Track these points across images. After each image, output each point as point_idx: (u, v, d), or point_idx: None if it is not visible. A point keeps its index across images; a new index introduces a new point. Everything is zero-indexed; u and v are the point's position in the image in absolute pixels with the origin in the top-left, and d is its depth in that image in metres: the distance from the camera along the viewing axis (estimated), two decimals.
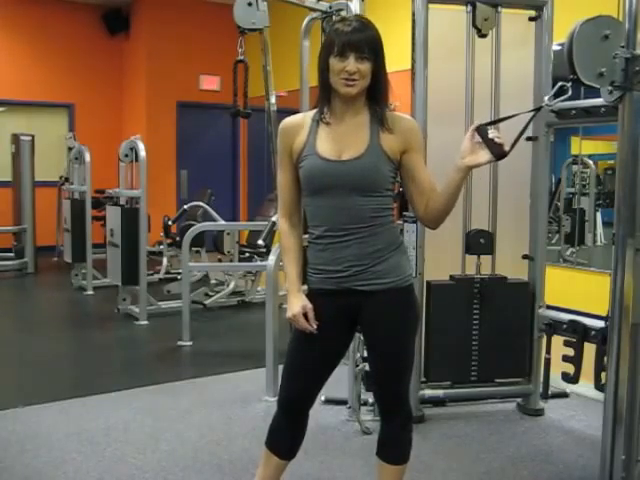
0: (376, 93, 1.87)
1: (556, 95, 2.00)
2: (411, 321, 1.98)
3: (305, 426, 2.04)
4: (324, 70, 1.85)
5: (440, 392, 3.25)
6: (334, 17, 4.02)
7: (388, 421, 2.05)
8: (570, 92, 2.05)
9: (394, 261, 1.91)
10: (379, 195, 1.88)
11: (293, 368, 2.02)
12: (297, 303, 1.91)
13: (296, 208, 2.00)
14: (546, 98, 2.03)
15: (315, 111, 1.94)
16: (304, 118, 1.96)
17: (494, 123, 1.83)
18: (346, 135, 1.87)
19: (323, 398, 3.29)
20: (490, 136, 1.73)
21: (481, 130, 1.75)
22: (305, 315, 1.90)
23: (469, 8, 3.10)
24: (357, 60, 1.80)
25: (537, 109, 2.05)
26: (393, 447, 2.05)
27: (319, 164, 1.87)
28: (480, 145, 1.75)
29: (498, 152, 1.73)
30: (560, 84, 2.05)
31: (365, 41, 1.81)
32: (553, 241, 5.84)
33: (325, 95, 1.89)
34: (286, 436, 2.02)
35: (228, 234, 5.84)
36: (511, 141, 1.80)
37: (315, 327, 1.90)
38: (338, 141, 1.87)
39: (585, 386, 3.03)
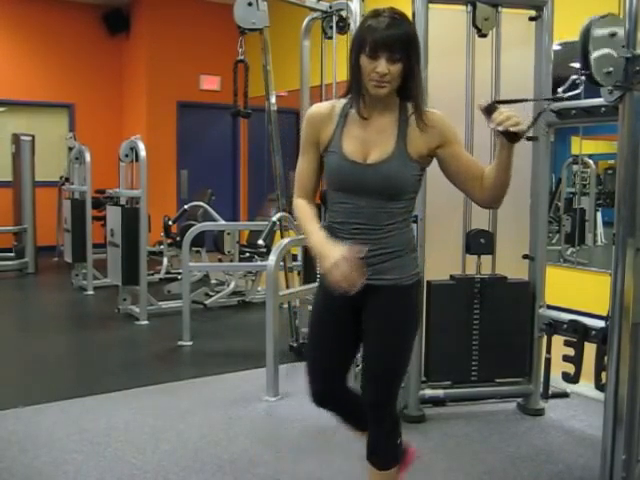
0: (409, 91, 1.81)
1: (569, 88, 2.00)
2: (407, 322, 1.92)
3: (349, 402, 2.09)
4: (355, 66, 1.79)
5: (440, 392, 3.25)
6: (334, 17, 4.04)
7: (373, 426, 1.98)
8: (582, 87, 2.04)
9: (400, 261, 1.89)
10: (401, 199, 1.85)
11: (310, 357, 2.08)
12: (335, 251, 1.74)
13: (313, 194, 1.99)
14: (560, 89, 2.02)
15: (344, 101, 1.89)
16: (333, 108, 1.90)
17: (503, 103, 1.75)
18: (373, 135, 1.84)
19: None
20: (491, 125, 1.68)
21: (486, 112, 1.70)
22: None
23: (469, 8, 3.10)
24: (388, 61, 1.74)
25: (551, 99, 2.04)
26: (380, 453, 2.00)
27: (344, 165, 1.84)
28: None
29: (507, 136, 1.68)
30: (573, 77, 2.05)
31: (398, 40, 1.73)
32: (553, 241, 5.85)
33: (357, 90, 1.83)
34: (344, 420, 2.14)
35: (228, 234, 5.84)
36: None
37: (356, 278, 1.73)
38: (364, 141, 1.84)
39: (585, 386, 3.03)
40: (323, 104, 1.95)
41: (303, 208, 1.95)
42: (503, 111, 1.67)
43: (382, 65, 1.73)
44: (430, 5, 3.04)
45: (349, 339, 2.01)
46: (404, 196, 1.85)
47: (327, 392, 2.05)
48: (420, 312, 2.02)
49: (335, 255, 1.73)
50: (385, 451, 2.00)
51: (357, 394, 2.09)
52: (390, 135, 1.82)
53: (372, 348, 1.93)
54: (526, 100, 1.88)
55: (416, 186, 1.88)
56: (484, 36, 3.14)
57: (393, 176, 1.81)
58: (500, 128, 1.66)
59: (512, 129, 1.65)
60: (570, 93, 2.00)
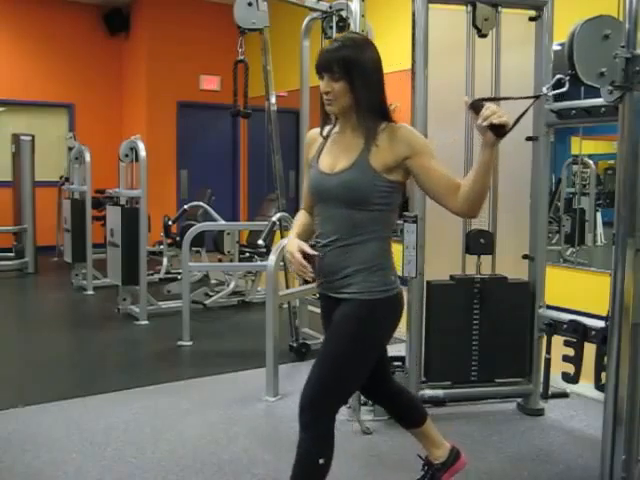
0: (362, 110, 1.91)
1: (554, 87, 2.02)
2: (354, 334, 1.91)
3: (396, 398, 2.29)
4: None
5: (440, 392, 3.25)
6: (334, 17, 4.03)
7: (299, 432, 1.93)
8: (567, 86, 2.06)
9: (363, 275, 1.92)
10: (367, 209, 1.91)
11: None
12: (293, 244, 1.98)
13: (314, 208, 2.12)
14: (544, 88, 2.04)
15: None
16: (321, 133, 2.08)
17: (488, 100, 1.78)
18: (342, 150, 1.97)
19: None
20: (479, 120, 1.70)
21: (474, 108, 1.73)
22: (304, 256, 1.93)
23: (469, 8, 3.10)
24: (330, 80, 1.89)
25: (536, 97, 2.07)
26: (294, 467, 1.92)
27: (316, 176, 2.01)
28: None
29: (495, 131, 1.70)
30: (558, 77, 2.06)
31: (335, 61, 1.87)
32: (553, 241, 5.85)
33: (322, 114, 2.01)
34: (393, 414, 2.37)
35: (228, 234, 5.84)
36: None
37: (310, 272, 1.93)
38: (335, 156, 1.98)
39: (585, 386, 3.02)
40: (316, 128, 2.11)
41: (298, 216, 2.21)
42: (489, 106, 1.71)
43: (323, 84, 1.91)
44: (430, 5, 3.04)
45: None
46: (369, 206, 1.91)
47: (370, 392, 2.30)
48: (384, 331, 1.98)
49: (291, 249, 1.97)
50: (298, 466, 1.92)
51: (403, 392, 2.34)
52: (356, 148, 1.93)
53: (320, 351, 2.00)
54: (511, 98, 1.90)
55: (385, 198, 1.92)
56: (484, 36, 3.14)
57: (352, 183, 1.90)
58: (485, 123, 1.70)
59: (496, 121, 1.68)
60: (556, 91, 2.01)
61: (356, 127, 1.95)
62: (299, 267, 1.93)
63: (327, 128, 2.05)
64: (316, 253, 1.95)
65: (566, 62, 2.09)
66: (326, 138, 2.04)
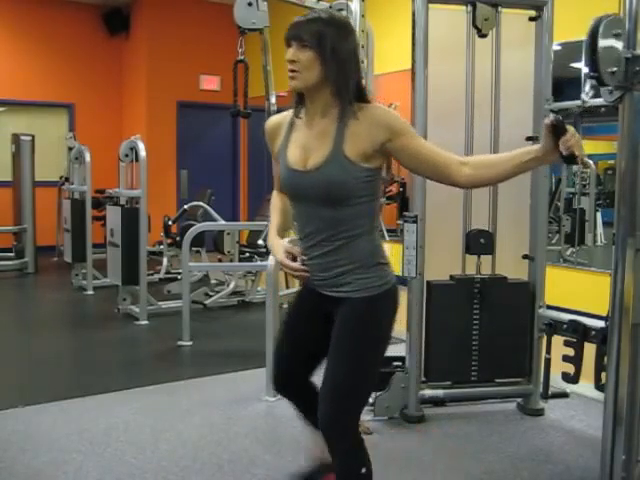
0: (337, 88, 1.73)
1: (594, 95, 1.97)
2: (361, 338, 1.81)
3: (309, 399, 2.02)
4: None
5: (440, 392, 3.26)
6: None
7: (330, 452, 1.83)
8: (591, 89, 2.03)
9: (359, 274, 1.80)
10: (349, 205, 1.75)
11: (277, 349, 2.11)
12: (279, 249, 1.89)
13: None
14: (583, 95, 1.99)
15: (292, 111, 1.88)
16: (284, 118, 1.90)
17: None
18: (313, 141, 1.78)
19: None
20: (560, 142, 1.60)
21: (556, 128, 1.61)
22: (293, 258, 1.86)
23: (469, 8, 3.10)
24: (297, 48, 1.73)
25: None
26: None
27: (286, 174, 1.83)
28: (554, 141, 1.62)
29: (568, 157, 1.61)
30: (590, 83, 2.02)
31: (307, 30, 1.71)
32: (553, 241, 5.84)
33: (297, 97, 1.83)
34: (307, 412, 2.07)
35: (228, 234, 5.84)
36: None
37: (303, 270, 1.85)
38: (305, 148, 1.79)
39: (585, 386, 3.02)
40: (277, 116, 1.95)
41: (274, 199, 2.07)
42: (575, 134, 1.60)
43: (290, 52, 1.74)
44: (430, 5, 3.04)
45: (313, 339, 1.97)
46: (350, 201, 1.75)
47: (285, 382, 2.07)
48: (388, 326, 1.86)
49: (278, 256, 1.89)
50: (342, 478, 1.85)
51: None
52: (328, 138, 1.75)
53: (327, 362, 1.85)
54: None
55: (367, 189, 1.77)
56: (484, 36, 3.14)
57: (331, 181, 1.73)
58: (566, 152, 1.59)
59: (577, 153, 1.59)
60: (593, 100, 1.97)
61: (326, 111, 1.76)
62: (293, 272, 1.86)
63: (290, 113, 1.87)
64: (303, 257, 1.85)
65: (587, 63, 2.01)
66: (291, 125, 1.85)
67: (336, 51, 1.72)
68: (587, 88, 1.97)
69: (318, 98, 1.77)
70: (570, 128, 1.62)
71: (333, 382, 1.80)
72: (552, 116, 1.64)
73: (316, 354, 1.98)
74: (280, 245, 1.90)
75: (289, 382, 2.07)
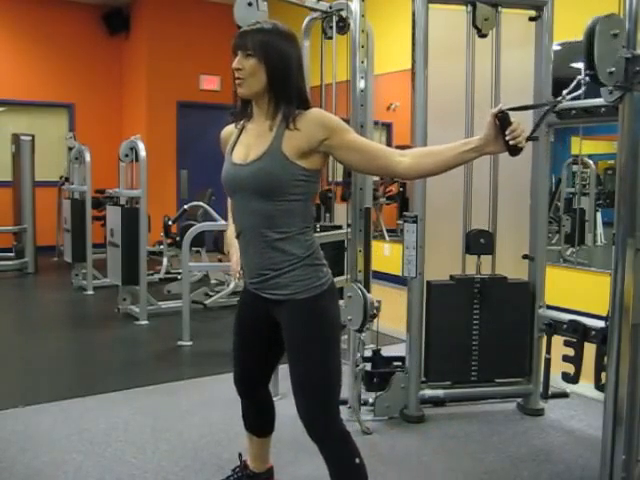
0: (278, 94, 1.84)
1: (573, 90, 1.98)
2: (310, 337, 1.87)
3: (265, 405, 2.26)
4: None
5: (440, 392, 3.26)
6: (334, 17, 4.03)
7: (320, 451, 1.94)
8: (584, 87, 2.03)
9: (294, 275, 1.86)
10: (282, 200, 1.82)
11: (233, 353, 2.18)
12: (232, 256, 2.17)
13: None
14: (564, 92, 2.00)
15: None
16: (236, 125, 2.01)
17: (515, 110, 1.71)
18: (255, 139, 1.88)
19: None
20: (507, 132, 1.64)
21: (502, 119, 1.65)
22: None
23: (469, 8, 3.10)
24: (242, 57, 1.82)
25: (554, 103, 2.05)
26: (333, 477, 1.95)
27: (228, 168, 1.93)
28: (498, 132, 1.66)
29: (513, 148, 1.65)
30: (579, 77, 2.03)
31: (251, 39, 1.81)
32: (553, 241, 5.85)
33: (243, 103, 1.93)
34: (251, 416, 2.26)
35: None
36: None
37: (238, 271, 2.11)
38: (248, 146, 1.90)
39: (585, 386, 3.02)
40: (230, 125, 2.05)
41: (230, 205, 2.09)
42: (520, 125, 1.65)
43: (236, 60, 1.82)
44: (430, 5, 3.04)
45: (262, 344, 2.10)
46: (283, 196, 1.81)
47: (245, 386, 2.20)
48: (335, 322, 1.93)
49: (231, 262, 2.18)
50: (338, 474, 1.94)
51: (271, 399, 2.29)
52: (268, 137, 1.85)
53: (289, 371, 1.93)
54: (533, 107, 1.85)
55: (301, 187, 1.83)
56: (484, 36, 3.14)
57: (266, 171, 1.81)
58: (513, 142, 1.64)
59: (522, 145, 1.64)
60: (572, 94, 1.98)
61: (269, 115, 1.86)
62: (232, 266, 2.14)
63: (241, 123, 1.97)
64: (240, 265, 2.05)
65: (584, 61, 2.02)
66: (241, 130, 1.96)
67: (279, 59, 1.82)
68: (571, 85, 1.96)
69: (263, 103, 1.88)
70: (516, 121, 1.66)
71: (301, 389, 1.89)
72: (497, 107, 1.68)
73: (266, 357, 2.14)
74: (233, 253, 2.14)
75: (246, 383, 2.19)
